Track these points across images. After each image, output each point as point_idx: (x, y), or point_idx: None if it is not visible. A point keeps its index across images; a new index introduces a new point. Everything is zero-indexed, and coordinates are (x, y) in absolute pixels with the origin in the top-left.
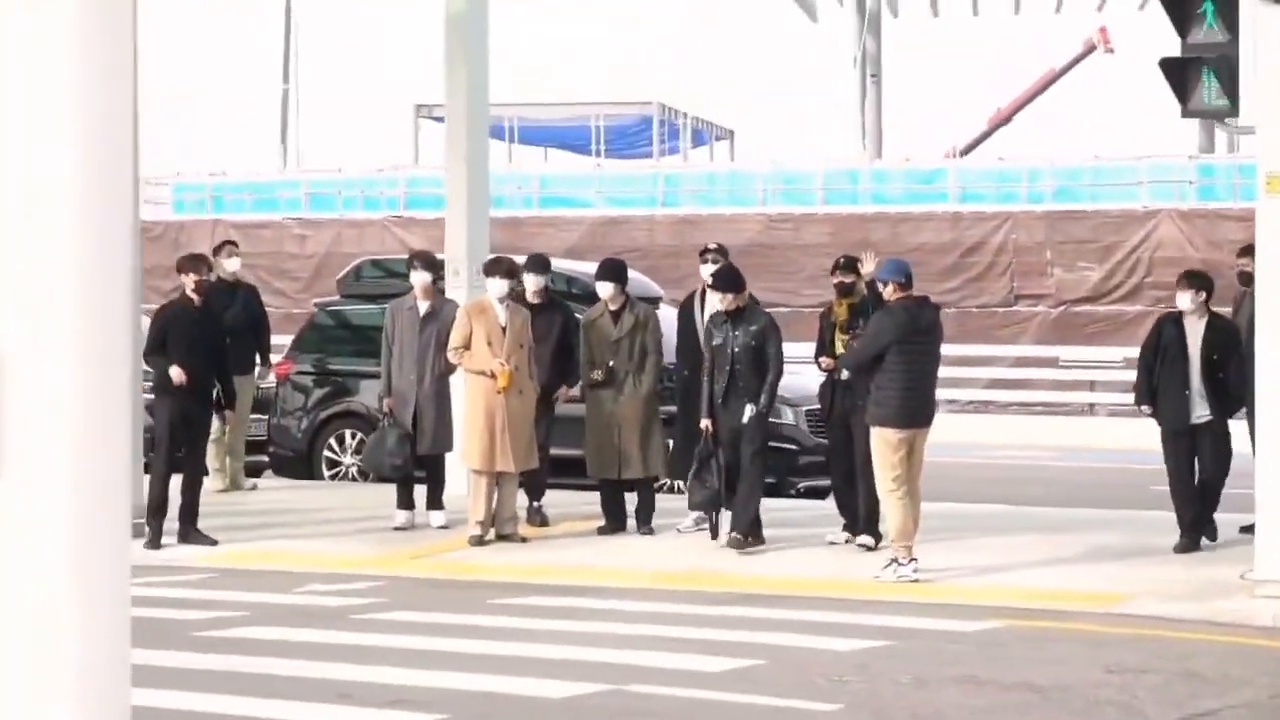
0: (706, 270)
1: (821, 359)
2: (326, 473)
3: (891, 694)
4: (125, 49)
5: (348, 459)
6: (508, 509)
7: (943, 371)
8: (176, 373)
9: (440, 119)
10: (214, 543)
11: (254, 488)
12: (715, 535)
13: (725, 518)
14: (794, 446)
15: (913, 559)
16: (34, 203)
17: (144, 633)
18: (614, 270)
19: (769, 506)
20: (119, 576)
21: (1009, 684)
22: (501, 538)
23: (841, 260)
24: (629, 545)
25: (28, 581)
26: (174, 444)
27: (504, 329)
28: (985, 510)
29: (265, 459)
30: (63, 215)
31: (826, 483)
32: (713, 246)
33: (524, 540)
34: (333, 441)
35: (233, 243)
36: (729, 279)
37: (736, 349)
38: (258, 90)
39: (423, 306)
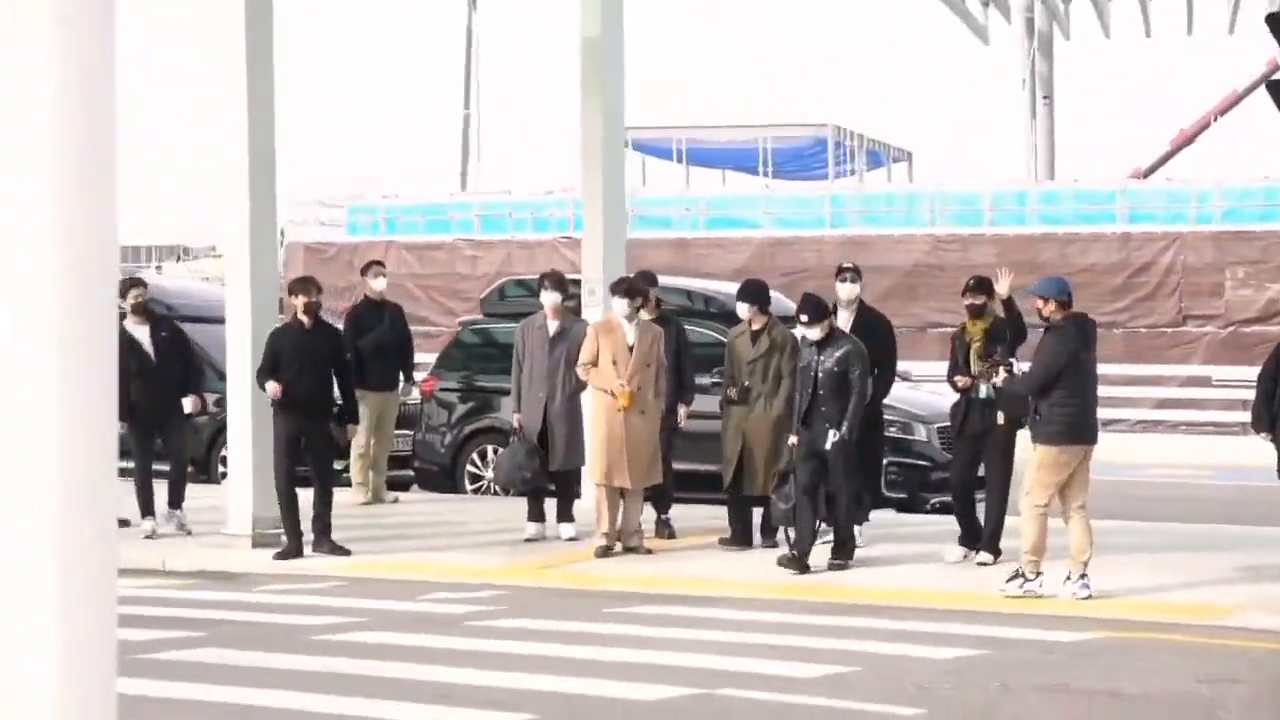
0: (843, 289)
1: (957, 378)
2: (469, 487)
3: (977, 701)
4: (107, 68)
5: (489, 473)
6: (632, 522)
7: (1111, 391)
8: (273, 388)
9: (626, 144)
10: (347, 553)
11: (395, 501)
12: (781, 549)
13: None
14: (927, 463)
15: (1039, 573)
16: (18, 209)
17: (264, 637)
18: (753, 291)
19: (900, 521)
20: (104, 573)
21: (1095, 692)
22: (628, 550)
23: (972, 281)
24: (750, 557)
25: (11, 577)
26: (289, 459)
27: (631, 348)
28: (1119, 526)
29: (410, 473)
30: (46, 219)
31: None
32: (848, 266)
33: (649, 552)
34: (475, 456)
35: (379, 263)
36: (812, 308)
37: (820, 374)
38: (437, 114)
39: (552, 326)
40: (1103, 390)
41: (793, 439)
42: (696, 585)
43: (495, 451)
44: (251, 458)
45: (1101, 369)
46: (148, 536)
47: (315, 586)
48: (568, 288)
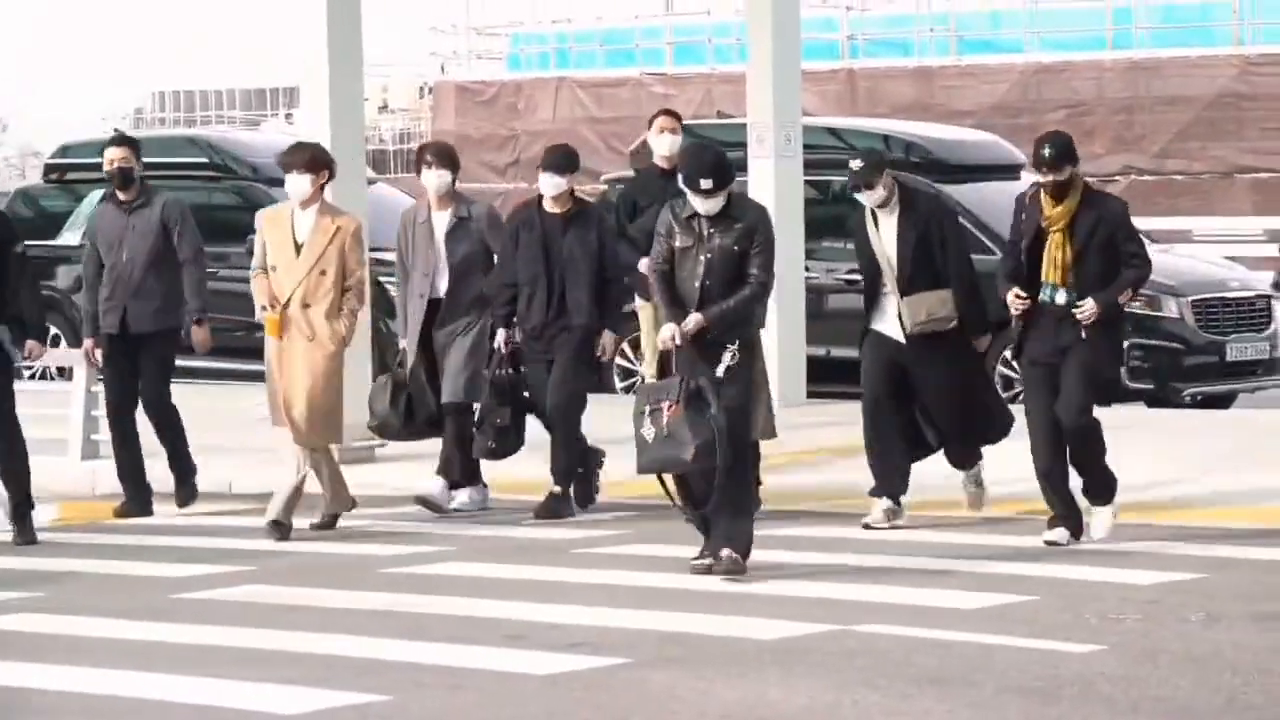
0: (863, 198)
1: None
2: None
3: (1171, 634)
4: None
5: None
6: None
7: None
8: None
9: None
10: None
11: None
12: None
13: None
14: (1179, 345)
15: None
16: None
17: (324, 571)
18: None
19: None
20: None
21: None
22: (319, 525)
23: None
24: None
25: None
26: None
27: (299, 247)
28: None
29: None
30: None
31: (1219, 388)
32: (856, 165)
33: (326, 524)
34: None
35: None
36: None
37: (711, 256)
38: None
39: (440, 218)
40: None
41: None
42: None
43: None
44: None
45: None
46: None
47: (407, 510)
48: (457, 165)
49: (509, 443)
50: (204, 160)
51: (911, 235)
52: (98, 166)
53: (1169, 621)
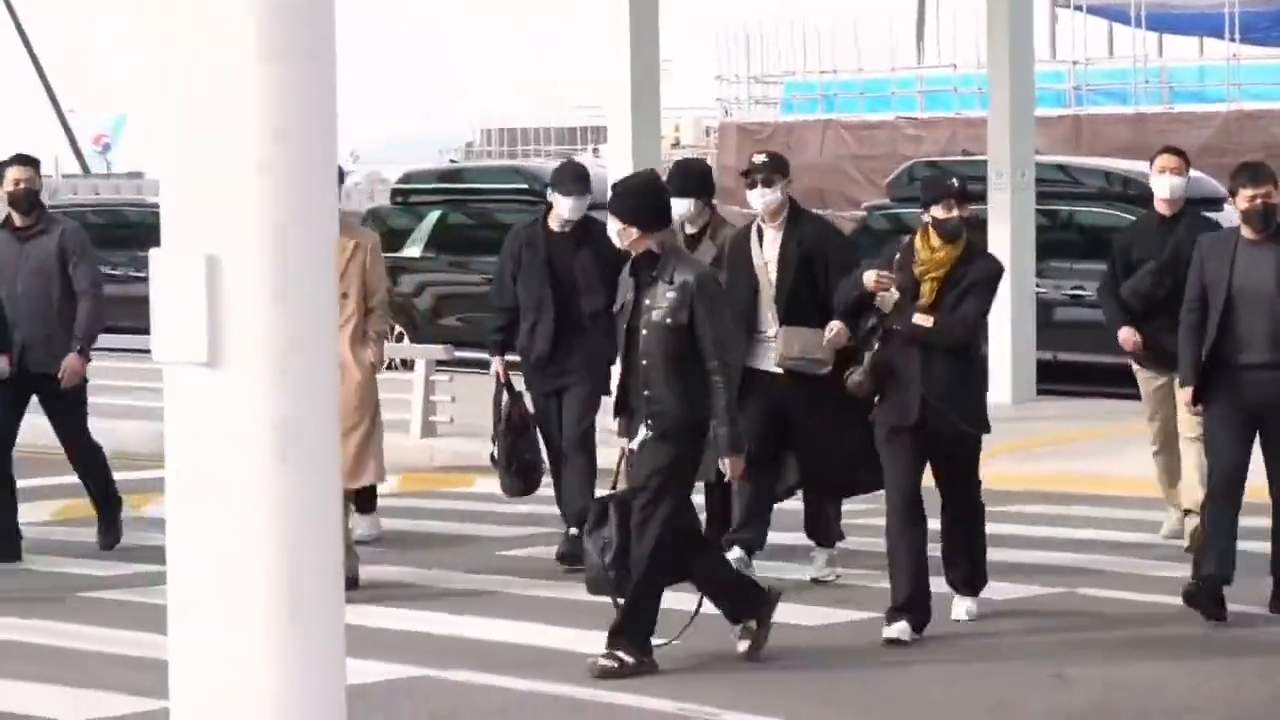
0: (755, 196)
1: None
2: None
3: None
4: None
5: None
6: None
7: None
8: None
9: (1080, 8)
10: None
11: None
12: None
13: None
14: None
15: None
16: (226, 111)
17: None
18: (688, 177)
19: None
20: (327, 465)
21: None
22: None
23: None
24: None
25: (238, 469)
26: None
27: None
28: None
29: None
30: (253, 119)
31: None
32: (759, 160)
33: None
34: None
35: None
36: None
37: (641, 324)
38: None
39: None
40: None
41: (629, 445)
42: (1082, 483)
43: None
44: None
45: None
46: None
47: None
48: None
49: (538, 475)
50: (526, 187)
51: (794, 257)
52: (436, 190)
53: None
